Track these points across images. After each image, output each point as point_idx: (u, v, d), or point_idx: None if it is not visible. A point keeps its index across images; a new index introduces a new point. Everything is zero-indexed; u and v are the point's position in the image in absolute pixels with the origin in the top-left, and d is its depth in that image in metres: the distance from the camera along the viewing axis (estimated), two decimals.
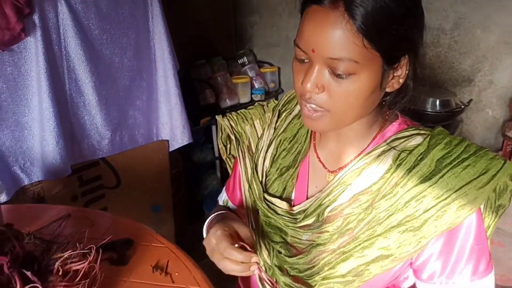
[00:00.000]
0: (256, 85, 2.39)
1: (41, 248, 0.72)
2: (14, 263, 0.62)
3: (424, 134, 0.66)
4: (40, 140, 1.11)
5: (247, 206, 0.81)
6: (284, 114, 0.81)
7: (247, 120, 0.86)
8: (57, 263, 0.66)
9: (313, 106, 0.61)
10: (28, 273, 0.62)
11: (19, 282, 0.60)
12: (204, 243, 0.67)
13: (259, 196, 0.76)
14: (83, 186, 1.31)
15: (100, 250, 0.70)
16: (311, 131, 0.76)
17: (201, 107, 2.18)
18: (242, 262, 0.62)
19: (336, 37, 0.55)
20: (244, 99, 2.31)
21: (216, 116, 0.90)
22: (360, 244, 0.65)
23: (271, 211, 0.74)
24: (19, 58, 1.03)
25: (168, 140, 1.54)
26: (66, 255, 0.67)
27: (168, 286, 0.75)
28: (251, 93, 2.33)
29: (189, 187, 2.13)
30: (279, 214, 0.73)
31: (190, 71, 2.21)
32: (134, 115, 1.38)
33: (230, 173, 0.92)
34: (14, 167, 1.10)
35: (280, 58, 2.52)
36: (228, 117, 0.87)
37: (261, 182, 0.77)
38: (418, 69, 0.63)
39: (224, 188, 0.93)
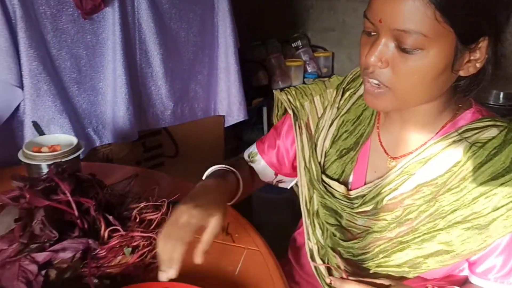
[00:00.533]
0: (309, 69, 2.38)
1: (116, 199, 0.79)
2: (98, 207, 0.69)
3: (500, 126, 0.61)
4: (112, 105, 1.19)
5: (301, 183, 0.80)
6: (348, 93, 0.77)
7: (306, 95, 0.82)
8: (135, 211, 0.72)
9: (375, 82, 0.59)
10: (110, 218, 0.69)
11: (103, 224, 0.66)
12: (181, 202, 0.65)
13: (317, 177, 0.75)
14: (146, 153, 1.39)
15: (171, 205, 0.76)
16: (376, 113, 0.73)
17: (253, 88, 2.21)
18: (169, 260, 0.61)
19: (405, 6, 0.52)
20: (296, 82, 2.31)
21: (274, 90, 0.89)
22: (419, 236, 0.63)
23: (328, 194, 0.73)
24: (98, 27, 1.11)
25: (224, 116, 1.59)
26: (142, 206, 0.74)
27: (229, 245, 0.80)
28: (304, 77, 2.34)
29: None
30: (335, 197, 0.72)
31: (244, 52, 2.25)
32: (195, 88, 1.43)
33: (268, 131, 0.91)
34: (88, 129, 1.19)
35: (335, 43, 2.49)
36: (286, 92, 0.85)
37: (319, 163, 0.75)
38: (499, 53, 0.58)
39: (255, 144, 0.90)
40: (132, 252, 0.67)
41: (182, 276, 0.70)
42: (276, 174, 0.88)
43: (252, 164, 0.89)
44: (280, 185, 0.93)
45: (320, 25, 2.50)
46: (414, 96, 0.59)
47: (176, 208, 0.64)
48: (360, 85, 0.76)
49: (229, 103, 1.52)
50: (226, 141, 1.74)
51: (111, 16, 1.11)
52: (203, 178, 0.81)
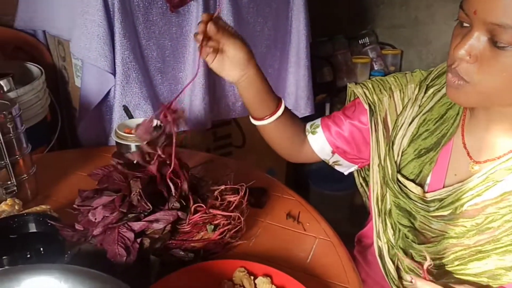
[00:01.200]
0: (376, 67, 2.34)
1: (196, 181, 0.84)
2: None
3: None
4: (190, 94, 1.26)
5: (374, 181, 0.78)
6: (431, 90, 0.74)
7: (385, 90, 0.79)
8: (216, 192, 0.77)
9: (457, 74, 0.58)
10: (195, 196, 0.74)
11: (191, 199, 0.72)
12: None
13: (392, 177, 0.73)
14: (216, 142, 1.46)
15: (247, 189, 0.80)
16: (462, 113, 0.70)
17: (317, 84, 2.21)
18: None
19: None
20: (362, 79, 2.28)
21: (348, 84, 0.88)
22: (502, 247, 0.61)
23: (403, 194, 0.71)
24: (183, 19, 1.18)
25: (291, 110, 1.61)
26: (222, 188, 0.78)
27: (300, 233, 0.82)
28: (370, 75, 2.29)
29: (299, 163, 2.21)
30: (410, 199, 0.70)
31: (310, 47, 2.25)
32: None
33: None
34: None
35: (404, 41, 2.42)
36: (361, 85, 0.82)
37: (395, 162, 0.73)
38: None
39: (320, 119, 0.88)
40: (214, 230, 0.72)
41: (256, 257, 0.74)
42: (333, 153, 0.87)
43: (311, 136, 0.87)
44: (337, 167, 0.92)
45: (390, 21, 2.44)
46: (499, 95, 0.58)
47: None
48: (445, 82, 0.73)
49: (296, 97, 1.54)
50: None
51: (195, 10, 1.18)
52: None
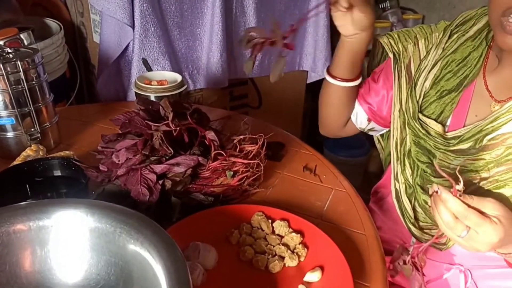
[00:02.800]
0: None
1: (216, 132, 0.85)
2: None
3: None
4: (207, 51, 1.25)
5: (394, 126, 0.80)
6: (456, 35, 0.75)
7: (410, 38, 0.81)
8: (235, 140, 0.78)
9: None
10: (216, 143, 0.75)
11: (213, 146, 0.73)
12: None
13: (413, 115, 0.75)
14: (232, 101, 1.46)
15: (265, 139, 0.81)
16: (485, 55, 0.71)
17: (335, 47, 2.17)
18: None
19: None
20: None
21: (375, 36, 0.87)
22: None
23: (423, 131, 0.73)
24: None
25: (307, 72, 1.60)
26: (241, 137, 0.79)
27: (316, 184, 0.83)
28: None
29: (313, 126, 2.21)
30: (431, 135, 0.72)
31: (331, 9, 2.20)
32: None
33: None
34: (184, 73, 1.27)
35: (426, 5, 2.34)
36: (388, 35, 0.83)
37: (417, 102, 0.75)
38: None
39: None
40: (233, 176, 0.73)
41: (274, 204, 0.75)
42: (369, 120, 0.89)
43: None
44: (371, 132, 0.94)
45: None
46: None
47: None
48: (470, 27, 0.74)
49: (314, 58, 1.52)
50: (307, 99, 1.75)
51: None
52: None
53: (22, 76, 0.81)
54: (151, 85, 0.93)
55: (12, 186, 0.73)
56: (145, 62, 1.09)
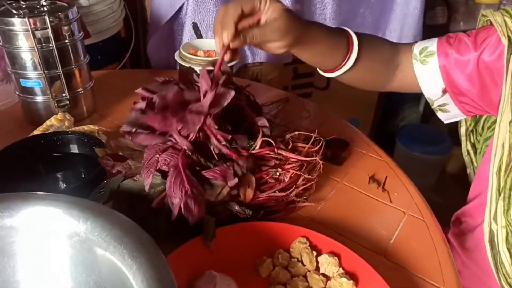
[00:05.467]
0: None
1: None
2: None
3: None
4: None
5: (499, 143, 0.59)
6: None
7: None
8: (287, 135, 0.61)
9: None
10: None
11: (261, 132, 0.57)
12: None
13: None
14: (295, 79, 1.28)
15: (323, 141, 0.63)
16: None
17: (425, 26, 1.86)
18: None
19: None
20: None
21: (482, 11, 0.64)
22: None
23: None
24: None
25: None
26: (296, 134, 0.62)
27: (384, 203, 0.65)
28: None
29: (387, 114, 1.95)
30: None
31: None
32: (364, 13, 1.22)
33: None
34: None
35: None
36: (502, 12, 0.60)
37: None
38: None
39: (436, 40, 0.65)
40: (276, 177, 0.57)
41: (324, 226, 0.59)
42: (444, 92, 0.65)
43: (419, 65, 0.66)
44: (439, 113, 0.69)
45: None
46: None
47: None
48: None
49: (400, 36, 1.27)
50: None
51: None
52: None
53: (51, 34, 0.71)
54: (196, 55, 0.78)
55: (26, 160, 0.64)
56: (195, 27, 0.94)
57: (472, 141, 0.82)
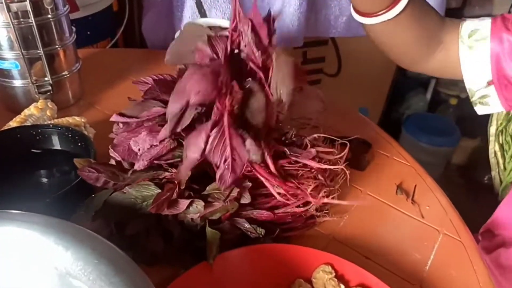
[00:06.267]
0: None
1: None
2: None
3: None
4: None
5: None
6: None
7: None
8: (306, 139, 0.52)
9: None
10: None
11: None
12: None
13: None
14: (304, 64, 1.17)
15: (348, 145, 0.55)
16: None
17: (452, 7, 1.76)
18: None
19: None
20: (500, 9, 1.77)
21: None
22: None
23: None
24: None
25: None
26: (316, 136, 0.53)
27: (415, 219, 0.56)
28: None
29: (391, 100, 1.86)
30: None
31: None
32: None
33: None
34: None
35: None
36: None
37: None
38: None
39: (489, 21, 0.55)
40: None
41: (347, 245, 0.50)
42: (489, 83, 0.55)
43: (465, 48, 0.55)
44: (478, 106, 0.59)
45: None
46: None
47: None
48: None
49: None
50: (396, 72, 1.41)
51: None
52: None
53: (29, 7, 0.60)
54: None
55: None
56: (198, 4, 0.83)
57: (501, 141, 0.74)
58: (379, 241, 0.52)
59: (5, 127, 0.58)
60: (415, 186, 0.62)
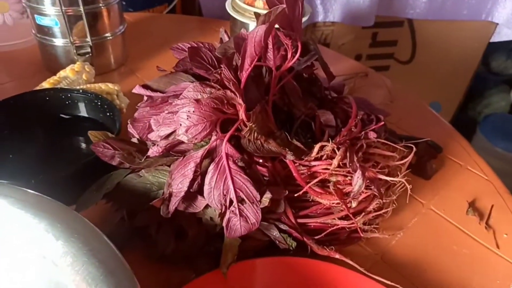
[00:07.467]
0: None
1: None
2: None
3: None
4: None
5: None
6: None
7: None
8: (363, 140, 0.42)
9: None
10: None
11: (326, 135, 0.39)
12: None
13: None
14: (372, 47, 1.05)
15: (414, 148, 0.44)
16: None
17: None
18: None
19: None
20: None
21: None
22: None
23: None
24: None
25: (497, 25, 1.07)
26: (375, 140, 0.43)
27: (487, 248, 0.45)
28: None
29: (468, 96, 1.66)
30: None
31: None
32: None
33: None
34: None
35: None
36: None
37: None
38: None
39: None
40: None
41: (399, 272, 0.41)
42: None
43: None
44: None
45: None
46: None
47: None
48: None
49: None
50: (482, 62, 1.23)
51: None
52: None
53: None
54: (253, 6, 0.59)
55: (23, 119, 0.51)
56: None
57: None
58: (437, 271, 0.42)
59: (37, 87, 0.55)
60: (492, 206, 0.50)
